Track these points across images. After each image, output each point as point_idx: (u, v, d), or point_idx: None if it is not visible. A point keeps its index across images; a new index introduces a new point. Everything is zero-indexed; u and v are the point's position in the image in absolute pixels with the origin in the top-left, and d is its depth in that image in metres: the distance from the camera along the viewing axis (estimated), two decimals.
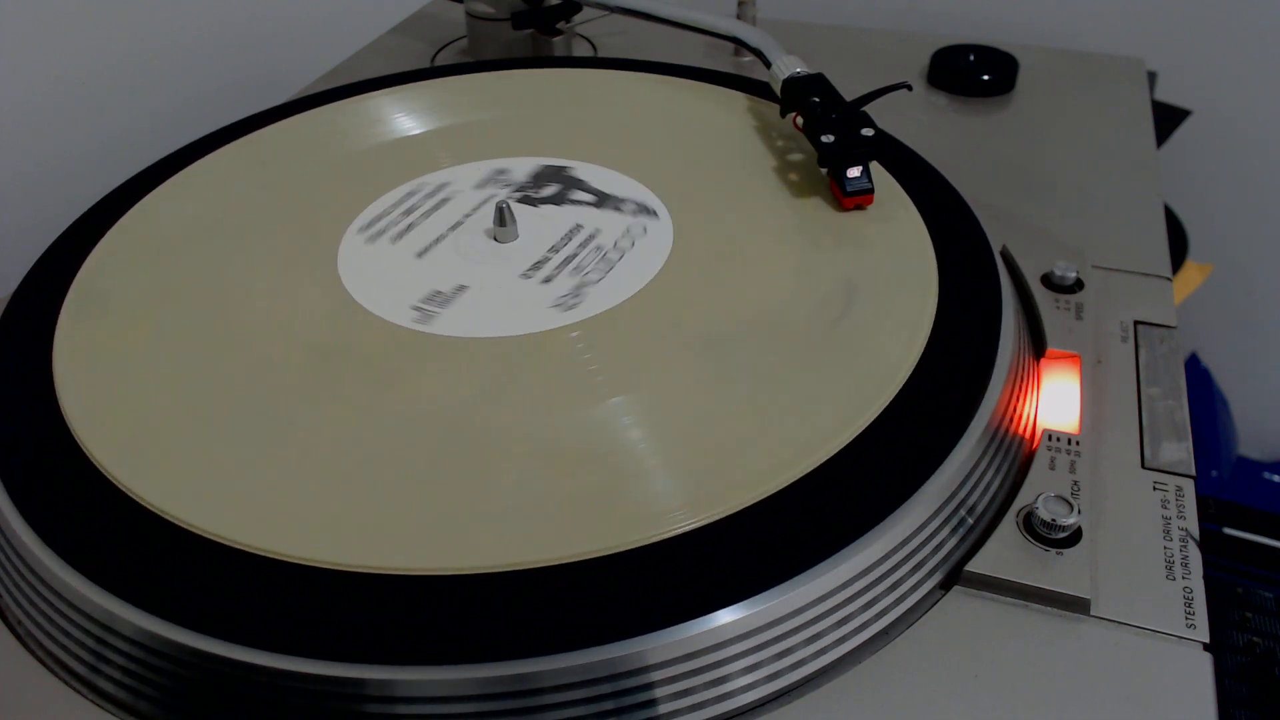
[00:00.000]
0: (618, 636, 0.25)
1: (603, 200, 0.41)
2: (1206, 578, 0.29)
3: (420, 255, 0.38)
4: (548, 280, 0.37)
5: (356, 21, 0.68)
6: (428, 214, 0.41)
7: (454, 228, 0.40)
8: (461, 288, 0.36)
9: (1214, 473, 0.73)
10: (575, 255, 0.38)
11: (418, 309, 0.35)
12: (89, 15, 0.61)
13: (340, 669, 0.24)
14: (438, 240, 0.39)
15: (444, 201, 0.41)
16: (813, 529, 0.27)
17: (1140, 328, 0.39)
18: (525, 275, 0.37)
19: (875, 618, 0.27)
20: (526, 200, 0.41)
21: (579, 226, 0.40)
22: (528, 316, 0.35)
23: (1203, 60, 0.73)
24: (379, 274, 0.37)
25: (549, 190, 0.42)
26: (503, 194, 0.42)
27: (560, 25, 0.60)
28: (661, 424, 0.30)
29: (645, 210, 0.40)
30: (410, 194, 0.42)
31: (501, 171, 0.43)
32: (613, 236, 0.39)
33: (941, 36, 0.61)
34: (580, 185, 0.42)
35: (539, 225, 0.40)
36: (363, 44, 0.64)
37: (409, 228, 0.40)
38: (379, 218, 0.40)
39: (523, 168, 0.43)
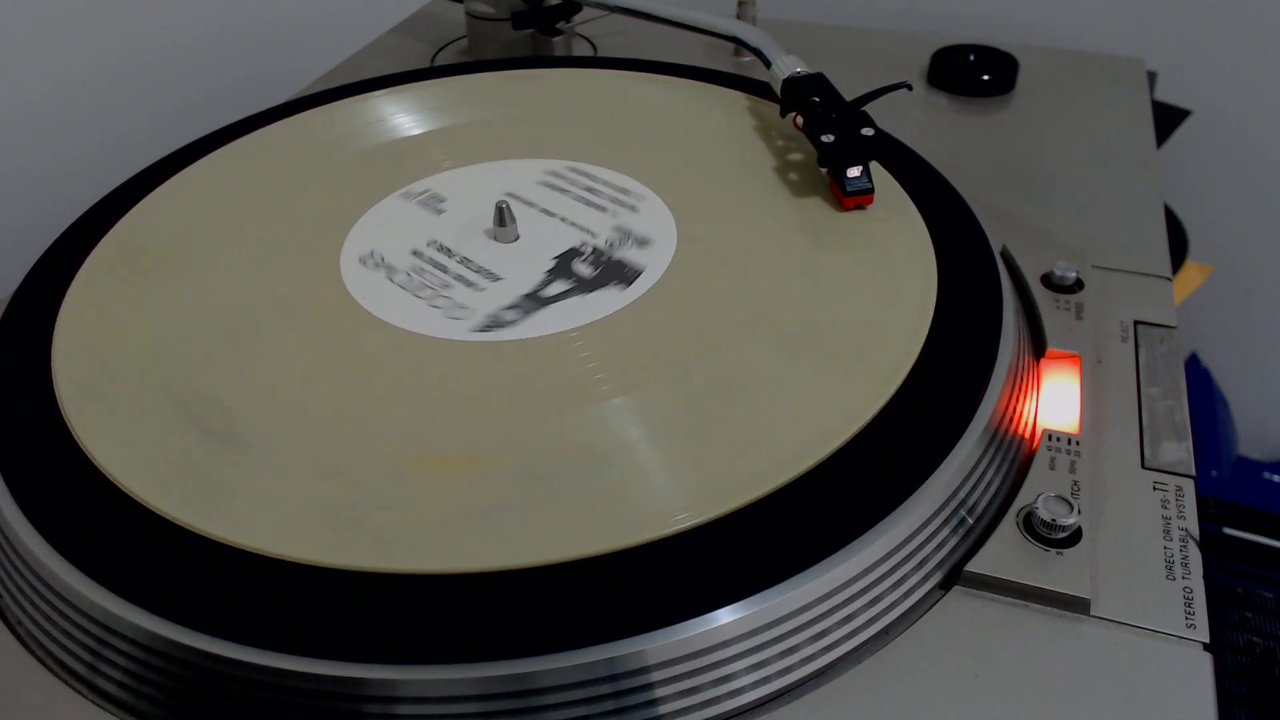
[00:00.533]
0: (618, 636, 0.25)
1: (544, 298, 0.36)
2: (1206, 578, 0.29)
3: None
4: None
5: (356, 21, 0.68)
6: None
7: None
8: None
9: (1214, 473, 0.73)
10: (447, 284, 0.36)
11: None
12: (89, 15, 0.61)
13: (340, 669, 0.24)
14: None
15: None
16: (813, 529, 0.27)
17: (1140, 328, 0.39)
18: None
19: (875, 618, 0.27)
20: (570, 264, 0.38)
21: (499, 277, 0.37)
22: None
23: (1203, 60, 0.73)
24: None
25: (584, 269, 0.38)
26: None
27: (560, 25, 0.60)
28: (662, 423, 0.30)
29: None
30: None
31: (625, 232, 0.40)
32: (483, 303, 0.36)
33: (941, 36, 0.61)
34: (589, 280, 0.37)
35: (532, 253, 0.39)
36: (363, 44, 0.64)
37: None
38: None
39: (626, 250, 0.38)
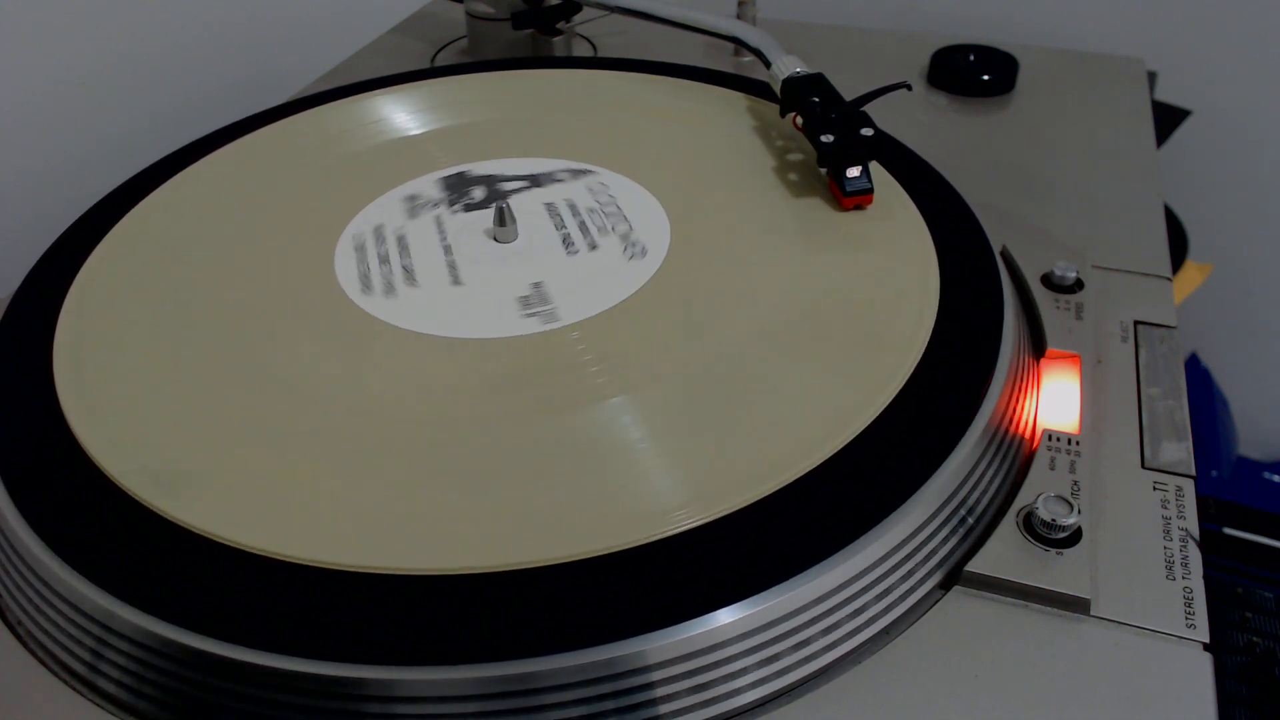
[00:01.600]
0: (618, 636, 0.25)
1: (535, 179, 0.43)
2: (1206, 578, 0.29)
3: (456, 283, 0.37)
4: (594, 247, 0.38)
5: (356, 21, 0.68)
6: (405, 253, 0.38)
7: (448, 251, 0.39)
8: (537, 283, 0.37)
9: (1214, 473, 0.73)
10: (586, 221, 0.39)
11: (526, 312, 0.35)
12: (89, 15, 0.61)
13: (340, 669, 0.24)
14: (452, 265, 0.38)
15: (403, 239, 0.39)
16: (813, 529, 0.27)
17: (1140, 328, 0.39)
18: (570, 253, 0.38)
19: (875, 617, 0.27)
20: (470, 207, 0.41)
21: (551, 204, 0.41)
22: (618, 278, 0.37)
23: (1203, 60, 0.73)
24: (432, 309, 0.36)
25: (478, 193, 0.42)
26: (441, 211, 0.41)
27: (560, 25, 0.60)
28: (662, 423, 0.30)
29: (579, 172, 0.42)
30: (359, 247, 0.39)
31: (413, 197, 0.42)
32: (588, 198, 0.41)
33: (941, 36, 0.61)
34: (497, 178, 0.43)
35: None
36: (363, 44, 0.64)
37: (408, 271, 0.38)
38: (367, 275, 0.37)
39: (427, 185, 0.43)
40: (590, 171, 0.42)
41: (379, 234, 0.40)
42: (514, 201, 0.41)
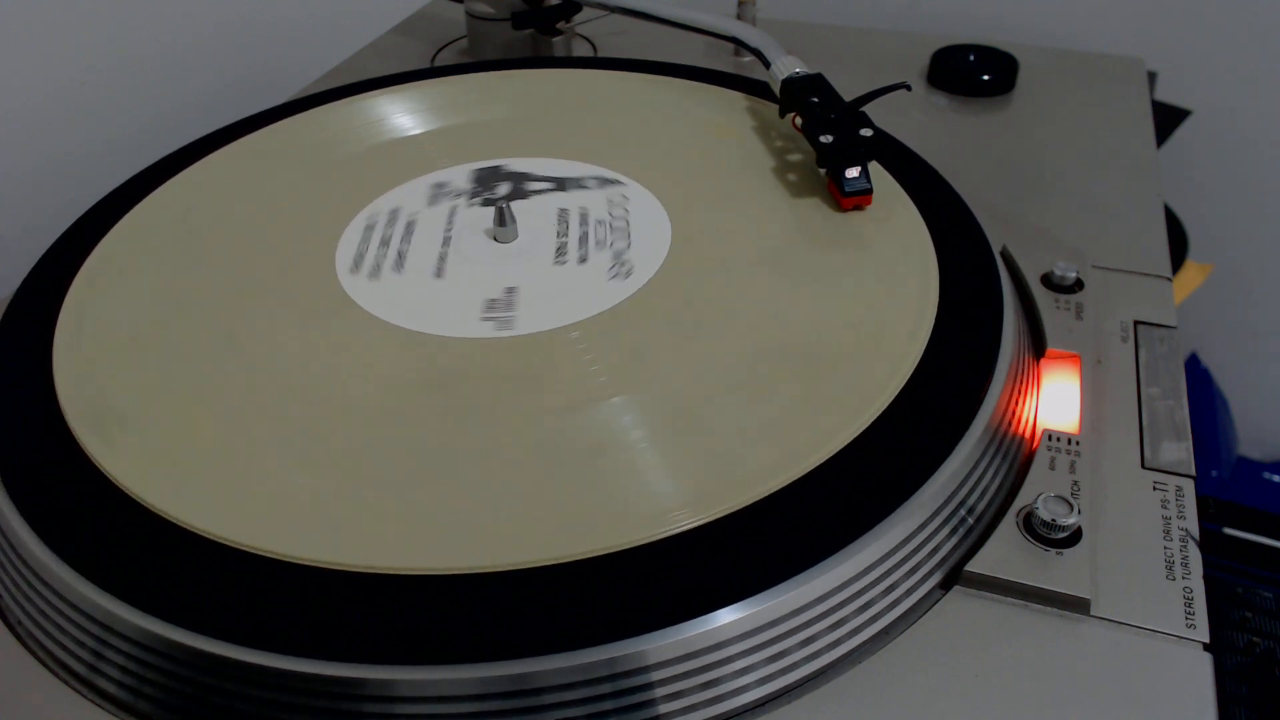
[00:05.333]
0: (618, 636, 0.25)
1: (561, 183, 0.42)
2: (1206, 578, 0.29)
3: (438, 276, 0.37)
4: (583, 260, 0.38)
5: (356, 21, 0.68)
6: (406, 240, 0.39)
7: (445, 243, 0.39)
8: (511, 289, 0.36)
9: (1214, 473, 0.73)
10: (586, 233, 0.39)
11: (489, 319, 0.35)
12: (89, 15, 0.61)
13: (340, 669, 0.24)
14: (442, 258, 0.38)
15: (411, 225, 0.40)
16: (813, 529, 0.27)
17: (1140, 328, 0.39)
18: (558, 262, 0.37)
19: (875, 618, 0.27)
20: (488, 202, 0.41)
21: (564, 210, 0.40)
22: (593, 296, 0.36)
23: (1203, 60, 0.73)
24: (407, 299, 0.36)
25: (503, 189, 0.42)
26: (460, 203, 0.41)
27: (560, 25, 0.60)
28: (662, 423, 0.30)
29: (607, 181, 0.42)
30: (370, 226, 0.40)
31: (440, 185, 0.42)
32: (603, 210, 0.40)
33: (941, 36, 0.61)
34: (528, 176, 0.43)
35: (525, 219, 0.40)
36: (363, 44, 0.64)
37: (400, 256, 0.38)
38: (361, 255, 0.38)
39: (459, 175, 0.43)
40: (617, 182, 0.42)
41: (393, 216, 0.41)
42: (534, 203, 0.41)
